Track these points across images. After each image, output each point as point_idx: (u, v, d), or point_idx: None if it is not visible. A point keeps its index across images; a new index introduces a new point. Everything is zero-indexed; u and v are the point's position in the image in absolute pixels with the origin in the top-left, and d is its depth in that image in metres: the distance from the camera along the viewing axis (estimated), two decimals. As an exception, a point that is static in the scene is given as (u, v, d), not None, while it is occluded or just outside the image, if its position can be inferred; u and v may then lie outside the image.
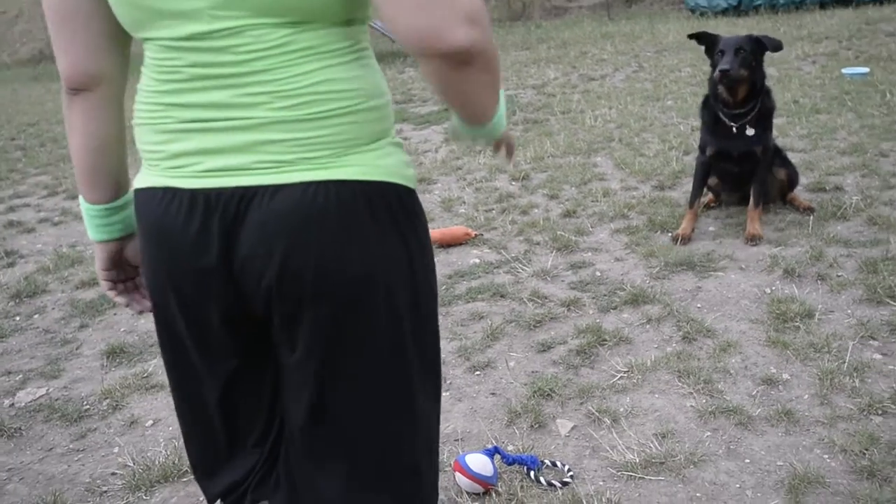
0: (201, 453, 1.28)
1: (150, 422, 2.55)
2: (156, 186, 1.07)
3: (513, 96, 8.32)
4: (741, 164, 3.60)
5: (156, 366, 2.91)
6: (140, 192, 1.11)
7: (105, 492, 2.21)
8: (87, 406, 2.69)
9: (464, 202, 4.59)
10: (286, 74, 0.98)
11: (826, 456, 2.03)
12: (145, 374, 2.84)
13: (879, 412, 2.17)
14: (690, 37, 3.67)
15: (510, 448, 2.18)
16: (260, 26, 0.96)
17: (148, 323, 3.33)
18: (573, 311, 3.01)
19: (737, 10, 13.67)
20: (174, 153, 1.05)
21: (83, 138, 1.15)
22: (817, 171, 4.44)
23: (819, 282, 3.03)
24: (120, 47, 1.10)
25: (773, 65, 8.42)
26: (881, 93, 6.27)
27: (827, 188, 4.13)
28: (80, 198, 1.21)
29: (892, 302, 2.77)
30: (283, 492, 1.24)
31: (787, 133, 5.39)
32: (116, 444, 2.45)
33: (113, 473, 2.29)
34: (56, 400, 2.75)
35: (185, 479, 2.21)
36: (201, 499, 2.12)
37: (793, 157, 4.66)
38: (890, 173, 4.26)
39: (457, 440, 2.26)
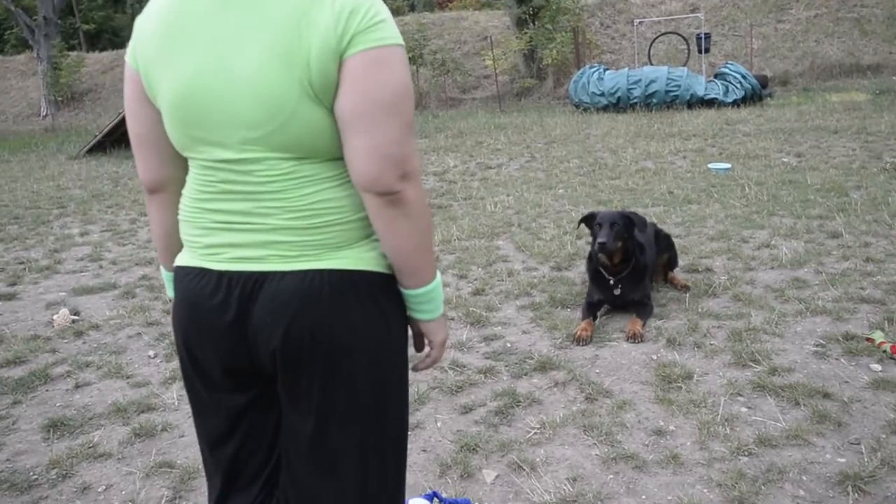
0: (214, 480, 1.56)
1: (103, 487, 2.70)
2: (193, 266, 1.41)
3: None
4: (625, 306, 4.08)
5: (101, 436, 3.06)
6: (180, 268, 1.45)
7: (69, 551, 2.36)
8: (35, 476, 2.80)
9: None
10: (293, 195, 1.34)
11: (706, 490, 2.45)
12: (91, 444, 2.98)
13: (746, 454, 2.63)
14: (580, 223, 4.26)
15: (445, 494, 2.49)
16: (274, 159, 1.32)
17: (84, 397, 3.47)
18: (489, 377, 3.39)
19: (616, 107, 14.94)
20: (207, 244, 1.39)
21: (159, 225, 1.53)
22: (691, 254, 5.07)
23: (696, 349, 3.54)
24: (181, 162, 1.45)
25: (649, 158, 9.36)
26: (741, 186, 7.16)
27: (700, 269, 4.75)
28: (161, 267, 1.60)
29: (754, 365, 3.30)
30: None
31: (664, 220, 6.08)
32: (71, 508, 2.59)
33: (73, 535, 2.44)
34: (1, 472, 2.84)
35: (147, 536, 2.39)
36: (165, 551, 2.32)
37: (670, 243, 5.32)
38: (750, 257, 4.94)
39: (396, 491, 2.55)
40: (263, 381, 1.46)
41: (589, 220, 4.15)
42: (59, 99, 24.19)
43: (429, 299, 1.44)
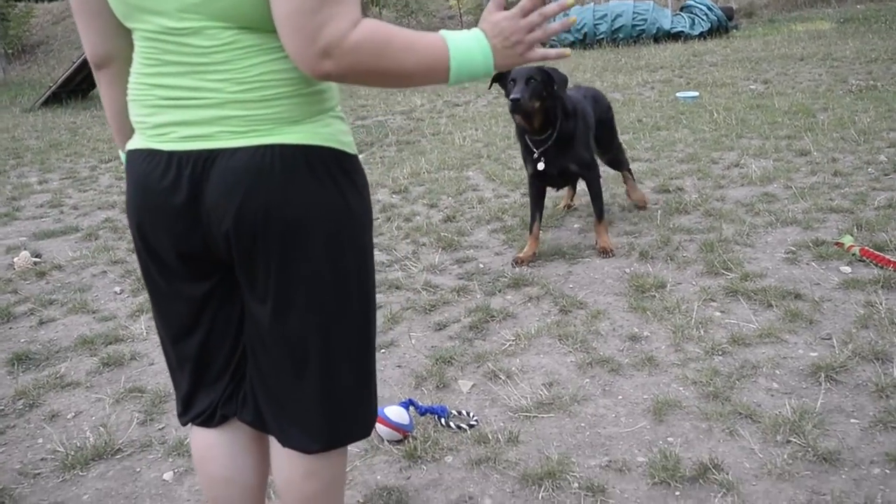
0: (180, 378, 1.51)
1: (72, 414, 2.65)
2: (142, 148, 1.34)
3: (383, 122, 8.69)
4: (563, 177, 3.79)
5: (68, 367, 2.99)
6: (130, 152, 1.37)
7: (39, 474, 2.31)
8: (1, 407, 2.74)
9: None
10: (238, 65, 1.26)
11: (681, 388, 2.46)
12: (58, 375, 2.92)
13: (720, 353, 2.64)
14: (493, 82, 3.67)
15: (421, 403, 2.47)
16: (213, 28, 1.24)
17: (49, 333, 3.38)
18: (463, 296, 3.36)
19: (583, 43, 14.79)
20: (156, 124, 1.31)
21: (110, 103, 1.47)
22: (661, 176, 5.05)
23: (668, 261, 3.54)
24: (126, 34, 1.36)
25: (617, 90, 9.29)
26: (709, 112, 7.13)
27: (670, 189, 4.73)
28: (119, 150, 1.52)
29: (726, 272, 3.31)
30: (249, 406, 1.48)
31: (633, 147, 6.05)
32: (40, 435, 2.53)
33: (42, 459, 2.39)
34: (-35, 405, 2.77)
35: (119, 456, 2.35)
36: (138, 469, 2.29)
37: (640, 166, 5.31)
38: (720, 176, 4.93)
39: (372, 403, 2.53)
40: (223, 269, 1.40)
41: (503, 77, 3.55)
42: (10, 52, 23.32)
43: (462, 78, 1.28)
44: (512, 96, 3.35)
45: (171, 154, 1.29)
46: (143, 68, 1.30)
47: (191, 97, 1.27)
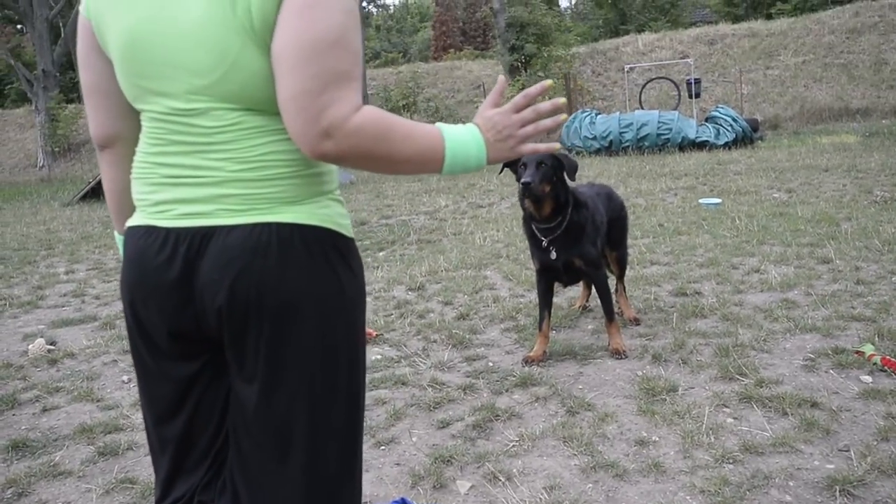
0: (160, 461, 1.46)
1: (60, 504, 2.59)
2: (141, 225, 1.36)
3: (407, 221, 8.80)
4: (569, 273, 3.74)
5: (63, 456, 2.94)
6: (129, 229, 1.40)
7: (16, 566, 2.23)
8: (-10, 495, 2.69)
9: (364, 309, 4.85)
10: (241, 145, 1.29)
11: (688, 496, 2.34)
12: (52, 463, 2.87)
13: (731, 461, 2.52)
14: (504, 167, 3.59)
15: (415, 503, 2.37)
16: (220, 109, 1.28)
17: (51, 420, 3.35)
18: (469, 394, 3.29)
19: (608, 150, 15.03)
20: (156, 201, 1.33)
21: (110, 184, 1.51)
22: (679, 279, 5.00)
23: (682, 364, 3.44)
24: (132, 116, 1.41)
25: (641, 196, 9.36)
26: (731, 219, 7.12)
27: (688, 293, 4.66)
28: (115, 231, 1.57)
29: (741, 378, 3.20)
30: (228, 494, 1.43)
31: (653, 250, 6.03)
32: (24, 525, 2.47)
33: (23, 550, 2.31)
34: (-45, 491, 2.72)
35: (100, 549, 2.27)
36: (118, 565, 2.19)
37: (658, 269, 5.26)
38: (739, 281, 4.86)
39: (365, 503, 2.43)
40: (212, 349, 1.38)
41: (514, 163, 3.53)
42: (57, 150, 24.31)
43: (456, 169, 1.31)
44: (523, 180, 3.37)
45: (168, 231, 1.31)
46: (149, 147, 1.35)
47: (192, 175, 1.30)
